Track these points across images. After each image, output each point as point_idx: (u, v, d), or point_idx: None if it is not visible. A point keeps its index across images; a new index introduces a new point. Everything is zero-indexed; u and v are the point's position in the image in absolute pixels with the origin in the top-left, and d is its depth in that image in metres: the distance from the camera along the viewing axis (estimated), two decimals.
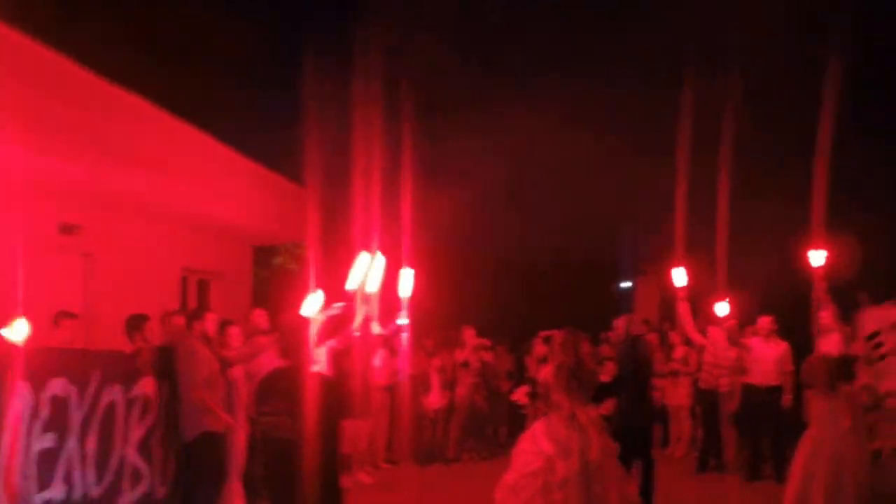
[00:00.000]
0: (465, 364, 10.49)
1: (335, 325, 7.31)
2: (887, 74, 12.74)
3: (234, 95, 11.21)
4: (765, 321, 8.87)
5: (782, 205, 11.00)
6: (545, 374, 6.88)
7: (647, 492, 6.81)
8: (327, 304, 7.32)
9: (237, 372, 6.77)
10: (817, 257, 6.97)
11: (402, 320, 8.57)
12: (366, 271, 7.95)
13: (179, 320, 6.83)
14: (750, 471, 8.79)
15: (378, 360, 9.48)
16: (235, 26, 11.10)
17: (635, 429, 6.96)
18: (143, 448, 6.03)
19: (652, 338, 10.11)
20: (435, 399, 10.23)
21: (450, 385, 10.38)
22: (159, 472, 6.20)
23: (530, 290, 14.47)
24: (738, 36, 12.30)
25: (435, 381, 10.24)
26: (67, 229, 8.03)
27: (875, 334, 5.86)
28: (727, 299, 8.82)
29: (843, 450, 5.81)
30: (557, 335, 6.90)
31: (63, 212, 7.90)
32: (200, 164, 8.75)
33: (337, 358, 6.79)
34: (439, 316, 11.92)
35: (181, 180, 8.33)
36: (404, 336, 10.21)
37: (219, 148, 9.28)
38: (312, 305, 6.37)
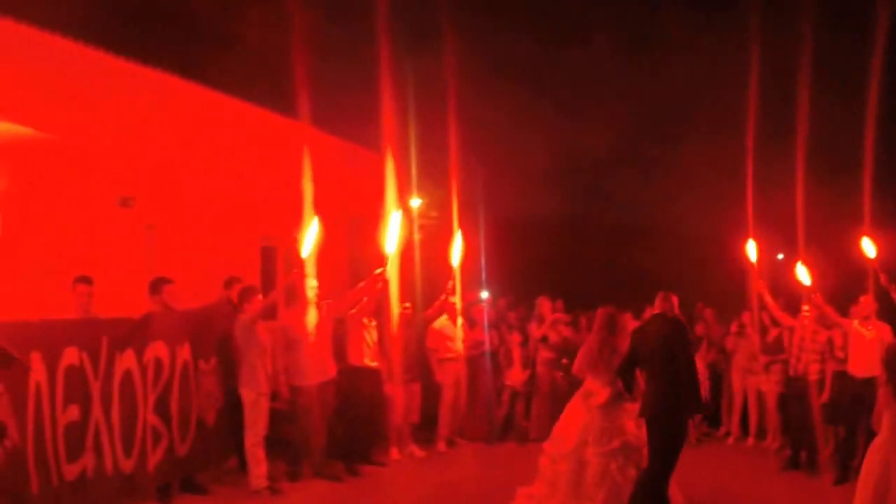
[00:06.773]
0: (544, 339, 9.89)
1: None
2: None
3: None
4: None
5: None
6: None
7: None
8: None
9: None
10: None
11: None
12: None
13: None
14: None
15: (449, 331, 9.11)
16: None
17: None
18: (158, 406, 6.07)
19: None
20: (517, 375, 9.74)
21: (529, 362, 9.84)
22: (178, 431, 6.28)
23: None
24: None
25: (517, 356, 9.73)
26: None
27: None
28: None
29: None
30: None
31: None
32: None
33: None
34: (511, 286, 11.31)
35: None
36: (485, 308, 9.79)
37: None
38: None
